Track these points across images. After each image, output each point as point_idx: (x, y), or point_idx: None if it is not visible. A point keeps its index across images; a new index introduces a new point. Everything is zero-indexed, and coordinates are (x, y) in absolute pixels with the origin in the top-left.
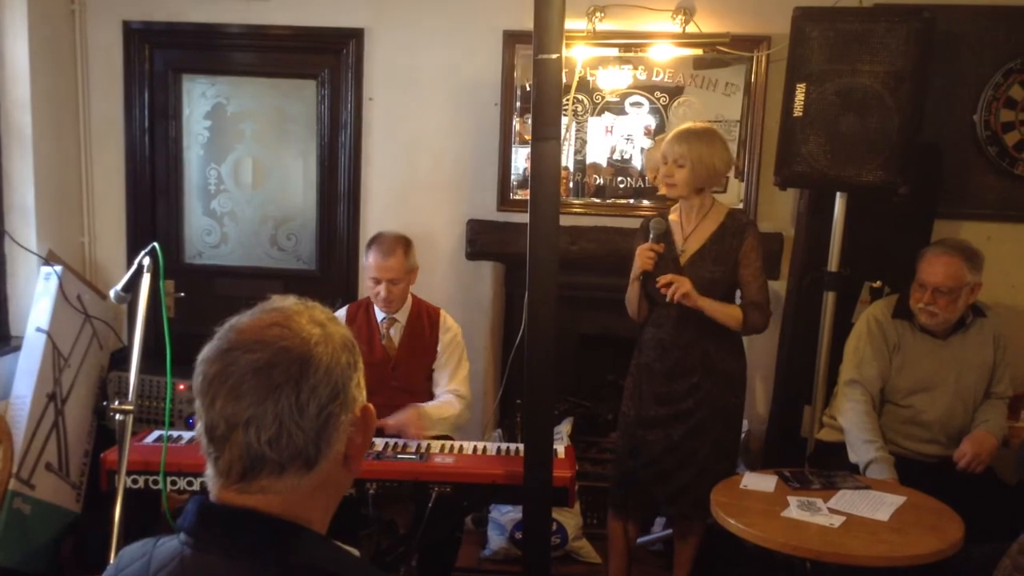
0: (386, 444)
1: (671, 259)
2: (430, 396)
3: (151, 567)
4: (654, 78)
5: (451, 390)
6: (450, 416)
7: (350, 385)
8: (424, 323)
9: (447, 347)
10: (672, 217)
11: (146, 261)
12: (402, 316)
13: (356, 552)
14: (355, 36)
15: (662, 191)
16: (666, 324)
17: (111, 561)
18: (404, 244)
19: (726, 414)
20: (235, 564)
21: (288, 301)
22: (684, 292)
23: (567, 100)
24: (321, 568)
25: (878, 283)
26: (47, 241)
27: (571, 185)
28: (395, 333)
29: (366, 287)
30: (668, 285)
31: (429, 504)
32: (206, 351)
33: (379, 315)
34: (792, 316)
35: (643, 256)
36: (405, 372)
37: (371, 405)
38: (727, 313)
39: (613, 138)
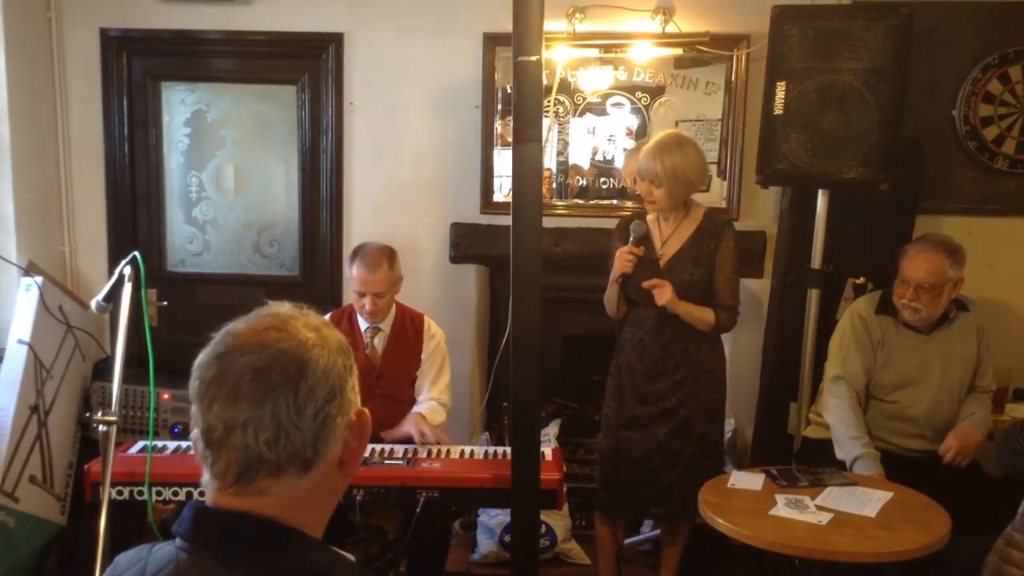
0: (373, 450)
1: (650, 261)
2: (415, 403)
3: (146, 573)
4: (635, 78)
5: (434, 398)
6: (440, 423)
7: (346, 388)
8: (408, 330)
9: (431, 355)
10: (650, 218)
11: (127, 270)
12: (386, 325)
13: (351, 557)
14: (334, 41)
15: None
16: (645, 324)
17: (96, 570)
18: (389, 256)
19: (708, 410)
20: (230, 569)
21: (283, 307)
22: (666, 300)
23: (548, 102)
24: (317, 573)
25: (861, 279)
26: (27, 252)
27: (554, 186)
28: (379, 342)
29: (351, 298)
30: (654, 287)
31: (417, 509)
32: (202, 356)
33: (362, 324)
34: (776, 314)
35: (623, 259)
36: (390, 381)
37: (366, 410)
38: (701, 318)
39: (595, 139)
